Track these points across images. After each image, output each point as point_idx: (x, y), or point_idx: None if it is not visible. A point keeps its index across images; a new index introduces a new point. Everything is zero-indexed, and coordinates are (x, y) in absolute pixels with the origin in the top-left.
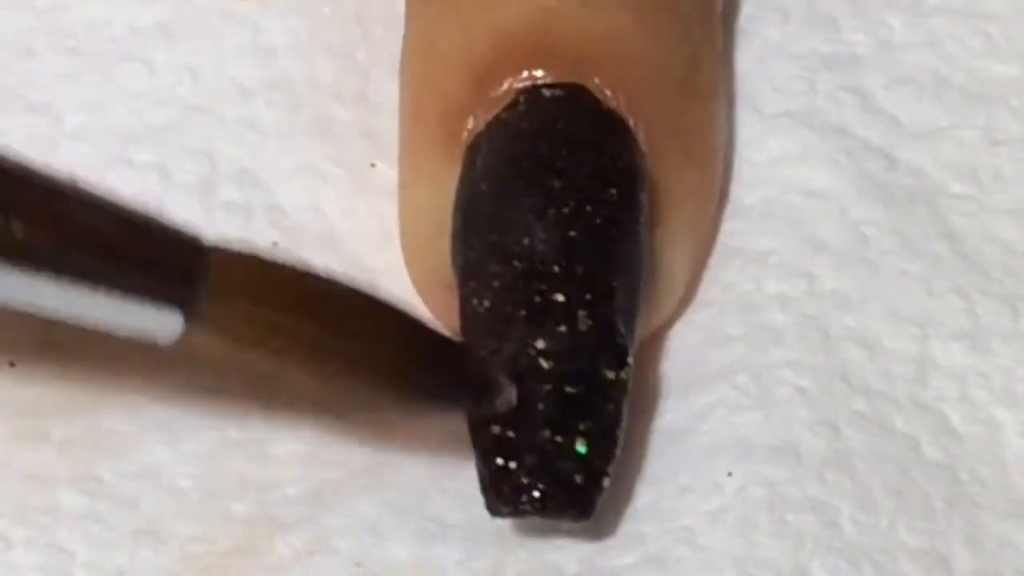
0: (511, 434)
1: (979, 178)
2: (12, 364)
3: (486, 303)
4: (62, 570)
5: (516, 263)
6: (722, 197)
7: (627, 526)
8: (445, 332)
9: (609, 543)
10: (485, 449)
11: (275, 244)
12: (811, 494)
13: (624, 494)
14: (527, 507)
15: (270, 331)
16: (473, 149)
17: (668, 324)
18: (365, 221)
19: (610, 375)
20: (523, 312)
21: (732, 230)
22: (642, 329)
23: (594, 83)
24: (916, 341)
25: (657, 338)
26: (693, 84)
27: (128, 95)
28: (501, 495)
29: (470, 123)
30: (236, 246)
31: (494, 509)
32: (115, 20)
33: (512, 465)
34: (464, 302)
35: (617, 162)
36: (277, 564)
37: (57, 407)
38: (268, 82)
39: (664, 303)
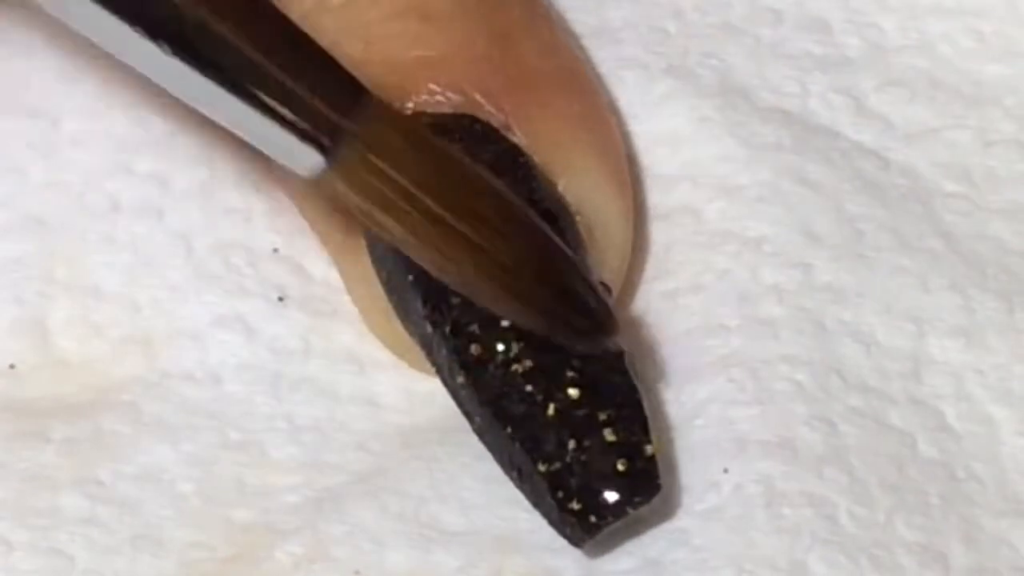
0: (545, 468)
1: (972, 179)
2: (12, 366)
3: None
4: (62, 575)
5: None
6: (612, 109)
7: (624, 530)
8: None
9: (607, 548)
10: (534, 494)
11: (275, 250)
12: (808, 489)
13: None
14: (601, 523)
15: (402, 196)
16: None
17: (636, 274)
18: None
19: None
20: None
21: (723, 210)
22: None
23: (425, 104)
24: (912, 337)
25: (653, 323)
26: (502, 31)
27: (127, 103)
28: (573, 527)
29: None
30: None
31: (576, 542)
32: None
33: (560, 494)
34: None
35: (485, 154)
36: (277, 572)
37: (57, 408)
38: None
39: (612, 241)
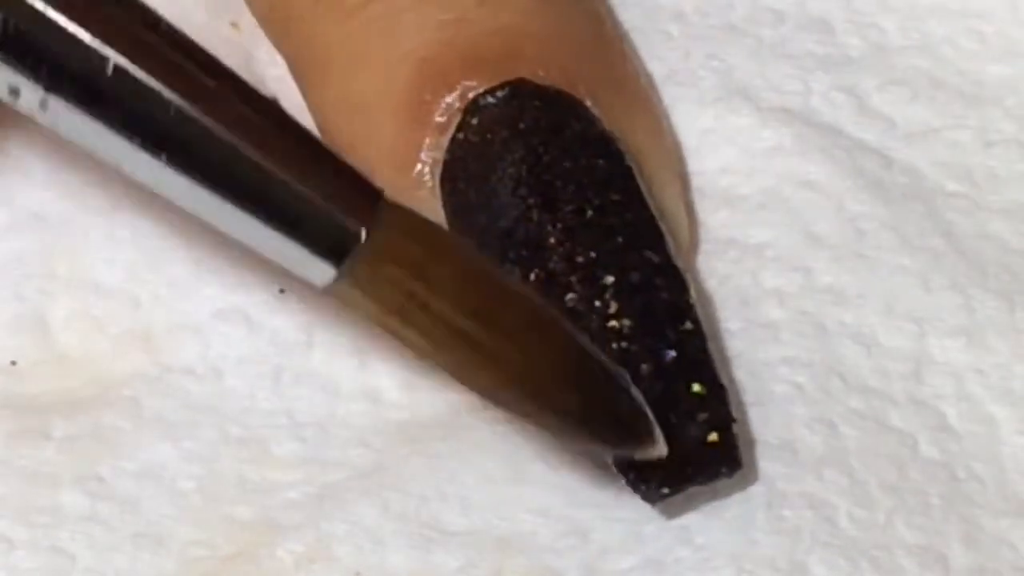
0: None
1: (974, 178)
2: (13, 363)
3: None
4: (63, 574)
5: (556, 270)
6: (670, 129)
7: (627, 528)
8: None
9: (609, 546)
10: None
11: None
12: (808, 491)
13: (624, 494)
14: (684, 484)
15: (419, 305)
16: (445, 180)
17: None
18: None
19: (688, 325)
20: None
21: (726, 220)
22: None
23: (526, 72)
24: (913, 338)
25: None
26: (603, 35)
27: None
28: (654, 482)
29: (426, 158)
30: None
31: (652, 497)
32: None
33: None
34: None
35: (588, 135)
36: (278, 570)
37: (58, 404)
38: None
39: (680, 254)
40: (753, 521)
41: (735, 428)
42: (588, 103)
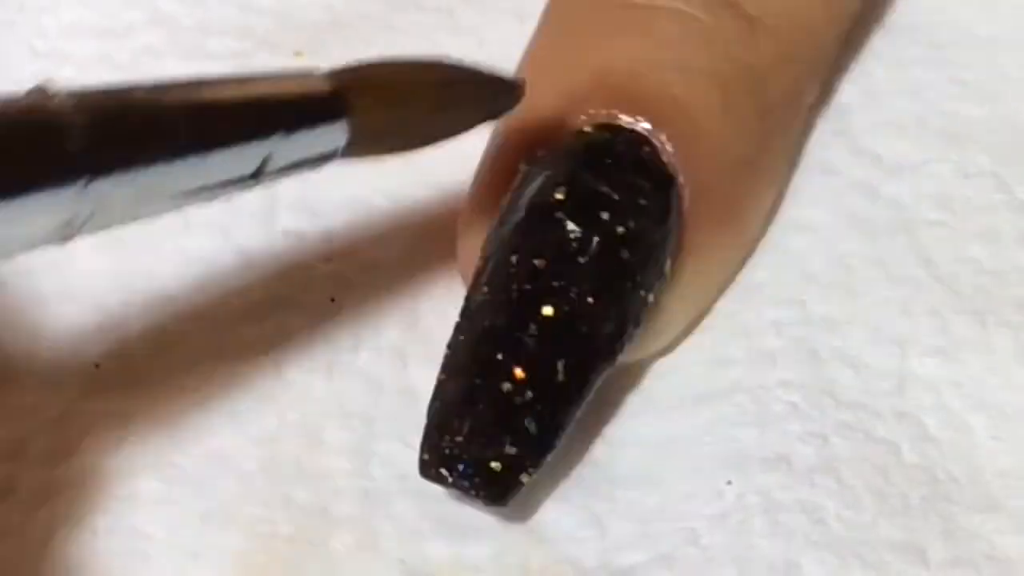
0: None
1: (952, 207)
2: (97, 366)
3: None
4: (142, 553)
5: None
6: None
7: (638, 527)
8: None
9: (623, 541)
10: (436, 416)
11: (328, 260)
12: (801, 497)
13: (635, 496)
14: (447, 478)
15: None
16: (524, 176)
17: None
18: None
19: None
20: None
21: None
22: (627, 356)
23: (660, 137)
24: (895, 358)
25: (670, 357)
26: (754, 165)
27: None
28: (431, 458)
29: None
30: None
31: (424, 471)
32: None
33: (447, 438)
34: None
35: (654, 209)
36: (331, 557)
37: (136, 401)
38: None
39: (652, 343)
40: (752, 526)
41: (523, 478)
42: (685, 195)
